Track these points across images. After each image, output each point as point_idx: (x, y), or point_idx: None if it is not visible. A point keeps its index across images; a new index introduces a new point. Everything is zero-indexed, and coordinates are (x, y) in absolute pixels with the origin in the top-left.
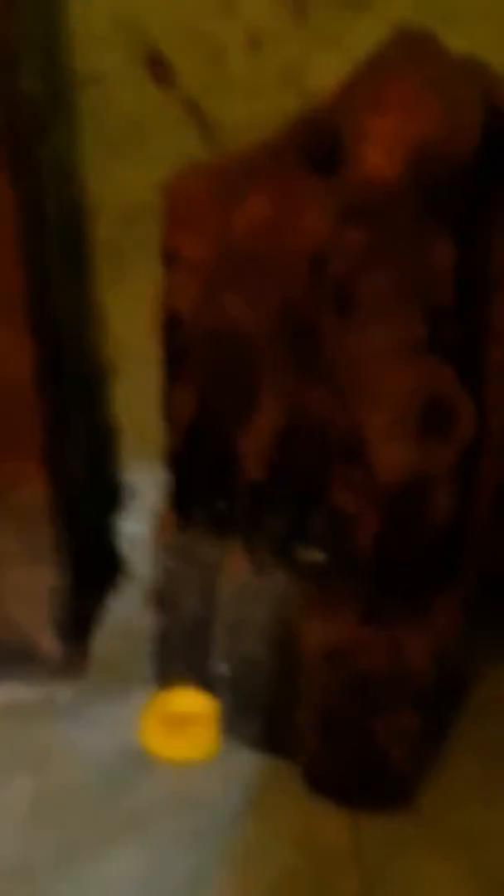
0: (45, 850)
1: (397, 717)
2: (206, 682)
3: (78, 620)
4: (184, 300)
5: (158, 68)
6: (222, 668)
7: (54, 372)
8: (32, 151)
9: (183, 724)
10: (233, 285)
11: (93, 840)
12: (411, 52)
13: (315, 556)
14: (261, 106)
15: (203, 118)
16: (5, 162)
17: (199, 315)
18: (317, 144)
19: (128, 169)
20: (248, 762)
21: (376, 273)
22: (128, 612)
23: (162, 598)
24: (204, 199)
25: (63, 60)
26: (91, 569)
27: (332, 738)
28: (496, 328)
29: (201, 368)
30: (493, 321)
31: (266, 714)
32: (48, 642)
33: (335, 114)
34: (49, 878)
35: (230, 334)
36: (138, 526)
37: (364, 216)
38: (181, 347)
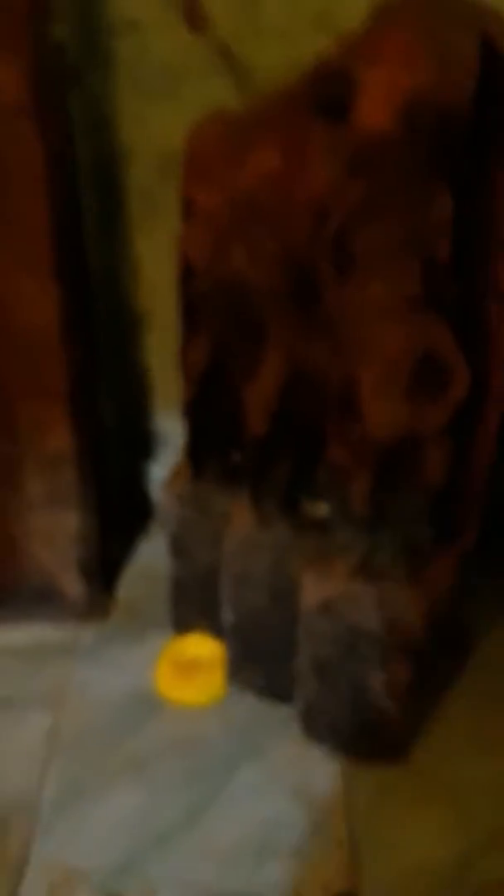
0: (51, 786)
1: (389, 671)
2: (217, 629)
3: (104, 564)
4: (197, 250)
5: (193, 14)
6: (228, 617)
7: (82, 318)
8: (62, 100)
9: (193, 670)
10: (240, 236)
11: (96, 778)
12: (417, 1)
13: (319, 509)
14: (294, 51)
15: (236, 64)
16: (34, 111)
17: (211, 265)
18: (326, 94)
19: (162, 115)
20: (251, 708)
21: (373, 226)
22: (155, 558)
23: (176, 546)
24: (219, 148)
25: (99, 7)
26: (120, 514)
27: (327, 687)
28: (496, 285)
29: (213, 319)
30: (493, 277)
31: (269, 662)
32: (72, 585)
33: (342, 63)
34: (51, 812)
35: (238, 286)
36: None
37: (361, 168)
38: (195, 298)
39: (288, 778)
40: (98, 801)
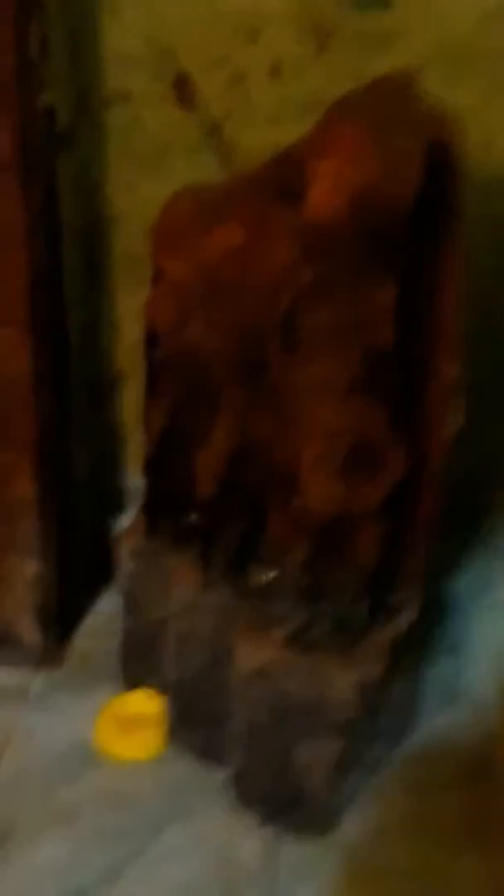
0: None
1: (318, 745)
2: (159, 686)
3: (63, 613)
4: (161, 317)
5: (183, 90)
6: (170, 675)
7: (56, 371)
8: (48, 161)
9: (134, 725)
10: (200, 306)
11: (25, 827)
12: (374, 96)
13: (263, 576)
14: (279, 134)
15: (221, 141)
16: (18, 169)
17: (173, 332)
18: (286, 179)
19: (149, 184)
20: (186, 768)
21: (319, 309)
22: (116, 610)
23: (128, 601)
24: (188, 221)
25: (92, 78)
26: (86, 565)
27: (257, 755)
28: (438, 372)
29: (174, 384)
30: (435, 365)
31: (207, 724)
32: (28, 631)
33: (300, 152)
34: None
35: (195, 354)
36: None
37: (310, 253)
38: (157, 362)
39: (213, 843)
40: (23, 850)
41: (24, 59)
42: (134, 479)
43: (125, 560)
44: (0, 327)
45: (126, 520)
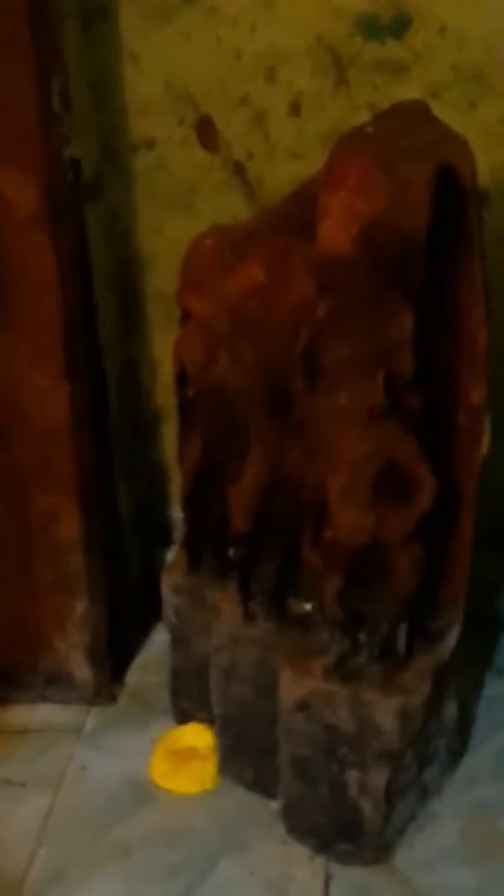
0: (38, 867)
1: (366, 774)
2: (209, 719)
3: (114, 650)
4: (190, 356)
5: (205, 132)
6: (217, 708)
7: (95, 413)
8: (76, 211)
9: (186, 759)
10: (226, 345)
11: (82, 863)
12: (385, 125)
13: (301, 607)
14: (302, 167)
15: (246, 179)
16: (47, 222)
17: (202, 370)
18: (304, 215)
19: (178, 226)
20: (238, 800)
21: (336, 342)
22: (165, 644)
23: (174, 636)
24: (212, 260)
25: (116, 126)
26: (135, 601)
27: (306, 786)
28: (463, 394)
29: (205, 421)
30: (460, 387)
31: (256, 756)
32: (81, 669)
33: (314, 186)
34: (34, 894)
35: (224, 391)
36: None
37: (325, 287)
38: (188, 400)
39: (268, 875)
40: (81, 887)
41: (47, 113)
42: (178, 513)
43: (169, 596)
44: (37, 374)
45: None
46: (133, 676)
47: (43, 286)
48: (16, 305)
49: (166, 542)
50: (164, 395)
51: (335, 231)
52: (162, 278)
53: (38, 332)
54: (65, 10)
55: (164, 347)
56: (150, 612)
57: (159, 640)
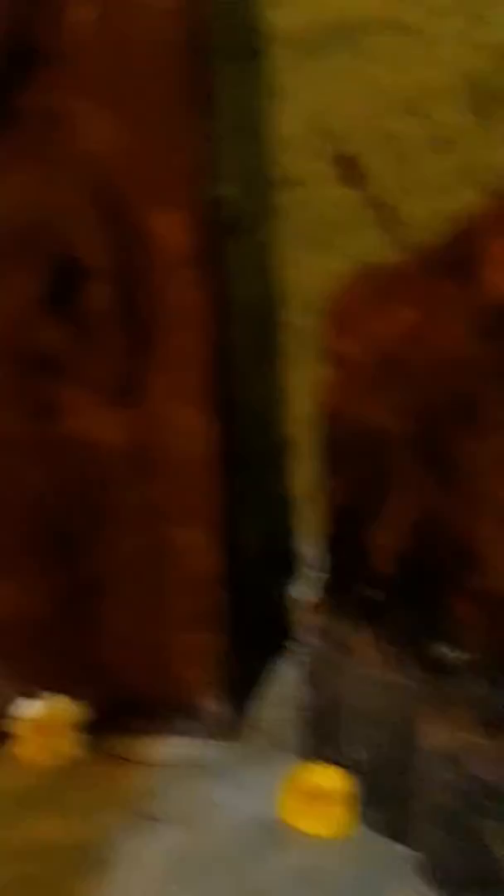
0: None
1: None
2: (342, 762)
3: (243, 684)
4: (337, 398)
5: (349, 169)
6: (351, 752)
7: (232, 449)
8: (221, 249)
9: (320, 800)
10: (375, 387)
11: None
12: None
13: (445, 653)
14: (443, 204)
15: (389, 217)
16: (195, 261)
17: (348, 413)
18: (456, 257)
19: (316, 263)
20: (374, 847)
21: (499, 389)
22: (293, 680)
23: (310, 677)
24: (361, 303)
25: (266, 166)
26: (262, 635)
27: (447, 837)
28: None
29: (350, 462)
30: None
31: (391, 802)
32: (210, 703)
33: (471, 230)
34: None
35: (372, 433)
36: (310, 595)
37: (488, 335)
38: (333, 441)
39: None
40: None
41: (199, 153)
42: (306, 546)
43: (307, 636)
44: (183, 411)
45: (299, 587)
46: (259, 711)
47: (190, 325)
48: (164, 344)
49: (289, 573)
50: (294, 427)
51: (499, 277)
52: (297, 313)
53: (185, 370)
54: (217, 48)
55: (294, 380)
56: (272, 644)
57: (284, 674)
